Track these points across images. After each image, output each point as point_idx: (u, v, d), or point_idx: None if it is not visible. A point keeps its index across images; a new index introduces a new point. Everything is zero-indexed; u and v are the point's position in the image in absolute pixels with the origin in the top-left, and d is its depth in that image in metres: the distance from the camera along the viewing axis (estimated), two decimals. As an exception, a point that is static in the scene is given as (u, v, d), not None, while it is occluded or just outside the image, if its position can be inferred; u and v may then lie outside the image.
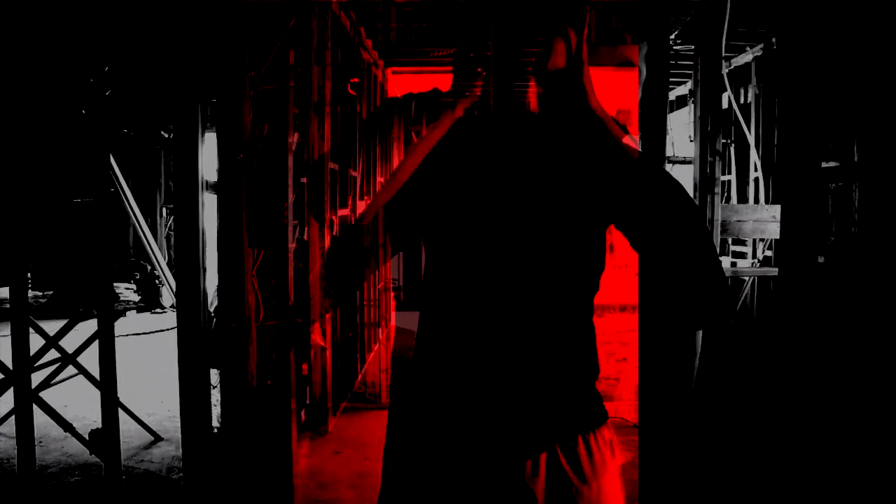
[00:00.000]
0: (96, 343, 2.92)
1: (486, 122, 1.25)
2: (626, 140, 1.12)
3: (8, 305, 2.83)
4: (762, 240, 5.16)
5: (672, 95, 7.78)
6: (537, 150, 1.21)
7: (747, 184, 5.64)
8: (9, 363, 2.96)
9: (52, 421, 3.30)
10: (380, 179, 5.88)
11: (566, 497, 1.15)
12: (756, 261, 5.27)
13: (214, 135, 2.45)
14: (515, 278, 1.18)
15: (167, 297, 8.37)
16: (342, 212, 4.31)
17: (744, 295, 5.18)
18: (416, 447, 1.22)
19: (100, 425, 2.93)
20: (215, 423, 2.69)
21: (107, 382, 2.82)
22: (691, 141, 4.49)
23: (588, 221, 1.18)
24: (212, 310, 3.11)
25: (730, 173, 5.96)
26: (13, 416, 2.90)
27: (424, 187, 1.23)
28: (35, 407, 2.99)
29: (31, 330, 2.93)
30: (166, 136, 9.68)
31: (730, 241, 5.64)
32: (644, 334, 3.34)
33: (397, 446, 1.26)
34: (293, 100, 2.50)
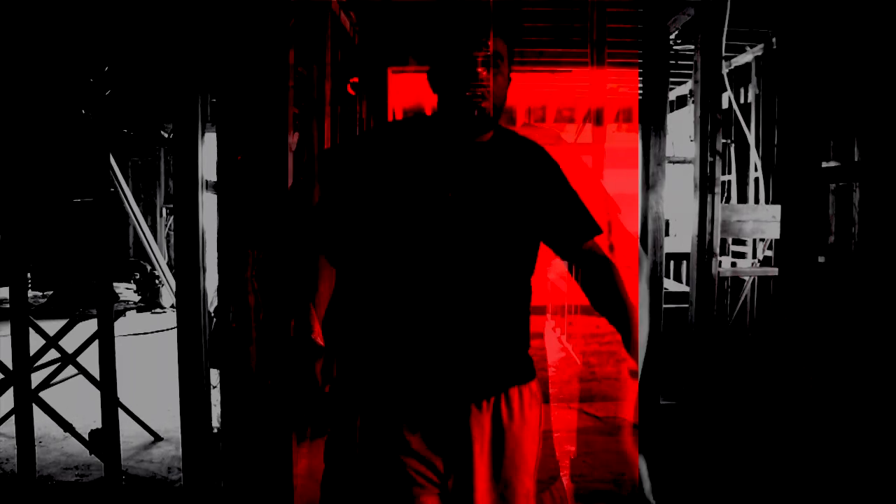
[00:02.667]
0: (96, 343, 2.92)
1: (436, 129, 1.53)
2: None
3: (8, 305, 2.83)
4: (762, 240, 5.16)
5: (672, 95, 7.77)
6: (476, 153, 1.51)
7: (747, 184, 5.64)
8: (9, 363, 2.95)
9: (52, 421, 3.30)
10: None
11: (499, 428, 1.50)
12: (756, 261, 5.27)
13: (214, 135, 2.44)
14: (458, 262, 1.46)
15: (167, 297, 8.36)
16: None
17: (744, 295, 5.17)
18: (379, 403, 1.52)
19: (100, 425, 2.92)
20: (215, 423, 2.69)
21: (107, 382, 2.82)
22: (691, 141, 4.48)
23: (517, 216, 1.50)
24: (212, 310, 3.11)
25: (730, 173, 5.95)
26: (13, 416, 2.90)
27: (372, 180, 1.50)
28: (35, 407, 2.98)
29: (31, 330, 2.92)
30: (166, 136, 9.67)
31: (730, 241, 5.64)
32: (644, 334, 3.34)
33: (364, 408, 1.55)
34: (293, 100, 2.51)
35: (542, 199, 1.54)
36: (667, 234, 6.91)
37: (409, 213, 1.47)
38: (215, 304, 2.86)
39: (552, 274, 7.35)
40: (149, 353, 6.08)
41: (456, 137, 1.50)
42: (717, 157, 3.22)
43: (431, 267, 1.46)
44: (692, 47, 4.08)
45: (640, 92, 3.12)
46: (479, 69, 1.41)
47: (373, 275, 1.52)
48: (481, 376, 1.49)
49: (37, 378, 3.23)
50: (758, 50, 5.46)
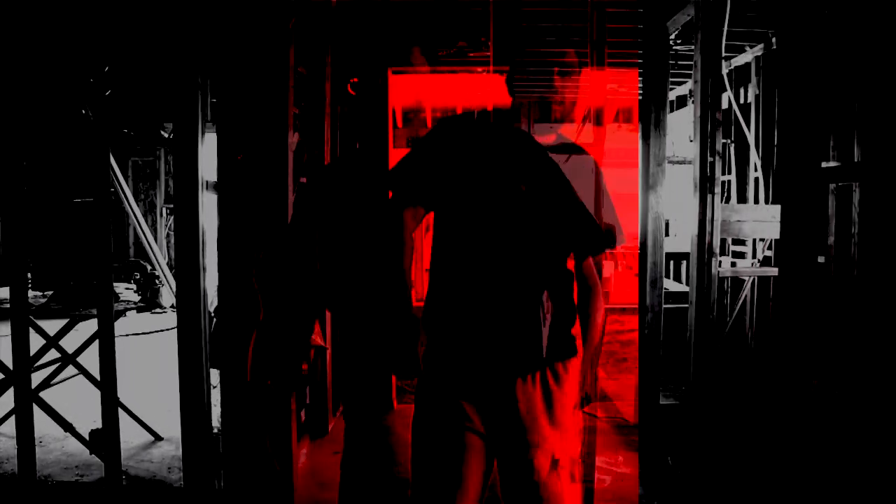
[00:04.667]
0: (96, 343, 2.92)
1: (482, 126, 1.81)
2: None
3: (8, 305, 2.83)
4: (762, 240, 5.16)
5: (672, 95, 7.77)
6: (515, 148, 1.76)
7: (747, 184, 5.64)
8: (9, 363, 2.95)
9: (52, 421, 3.30)
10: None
11: (548, 394, 1.76)
12: (756, 261, 5.27)
13: (214, 135, 2.45)
14: (505, 247, 1.70)
15: (167, 297, 8.36)
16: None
17: (744, 295, 5.17)
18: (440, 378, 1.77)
19: (100, 425, 2.92)
20: (215, 423, 2.69)
21: (107, 382, 2.82)
22: (691, 141, 4.47)
23: (546, 199, 1.74)
24: (212, 310, 3.10)
25: (730, 173, 5.95)
26: (13, 416, 2.90)
27: (433, 170, 1.75)
28: (35, 407, 2.98)
29: (31, 330, 2.92)
30: (166, 136, 9.67)
31: (730, 241, 5.63)
32: (644, 334, 3.34)
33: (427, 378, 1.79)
34: (293, 100, 2.50)
35: (560, 204, 1.75)
36: (667, 234, 6.91)
37: (464, 204, 1.73)
38: (215, 304, 2.86)
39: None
40: (149, 353, 6.08)
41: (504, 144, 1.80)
42: (717, 157, 3.22)
43: (482, 255, 1.72)
44: (692, 47, 4.08)
45: (640, 92, 3.12)
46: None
47: (440, 265, 1.78)
48: (529, 355, 1.74)
49: (37, 378, 3.23)
50: (758, 50, 5.46)
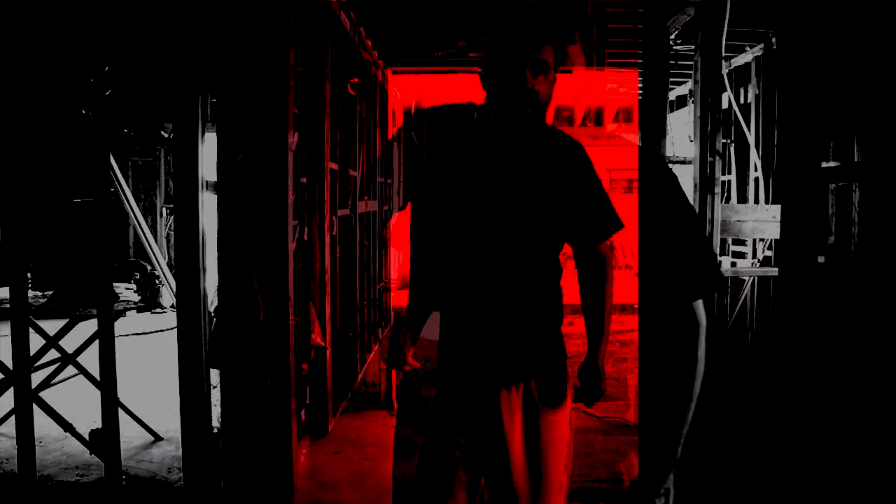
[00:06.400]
0: (96, 343, 2.92)
1: (486, 127, 1.70)
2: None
3: (8, 305, 2.83)
4: (762, 240, 5.16)
5: (672, 95, 7.77)
6: (516, 151, 1.67)
7: (747, 184, 5.64)
8: (9, 363, 2.95)
9: (52, 421, 3.30)
10: (379, 179, 5.88)
11: (534, 412, 1.67)
12: (756, 261, 5.27)
13: (214, 135, 2.45)
14: (490, 252, 1.64)
15: (167, 297, 8.36)
16: (342, 212, 4.31)
17: (744, 295, 5.18)
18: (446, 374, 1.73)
19: (100, 425, 2.93)
20: (215, 423, 2.69)
21: (107, 382, 2.82)
22: (691, 141, 4.48)
23: (546, 205, 1.65)
24: (212, 310, 3.10)
25: (730, 173, 5.95)
26: (13, 416, 2.90)
27: (438, 176, 1.72)
28: (35, 407, 2.99)
29: (31, 330, 2.92)
30: (166, 136, 9.68)
31: (730, 241, 5.64)
32: (644, 334, 3.33)
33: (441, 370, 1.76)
34: (293, 100, 2.51)
35: (568, 193, 1.66)
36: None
37: (459, 209, 1.66)
38: (215, 304, 2.86)
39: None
40: (149, 353, 6.08)
41: (503, 137, 1.67)
42: (717, 157, 3.22)
43: (469, 257, 1.66)
44: (692, 47, 4.08)
45: (640, 92, 3.13)
46: (529, 83, 1.58)
47: (441, 269, 1.74)
48: (511, 365, 1.66)
49: (37, 378, 3.23)
50: (758, 50, 5.46)
